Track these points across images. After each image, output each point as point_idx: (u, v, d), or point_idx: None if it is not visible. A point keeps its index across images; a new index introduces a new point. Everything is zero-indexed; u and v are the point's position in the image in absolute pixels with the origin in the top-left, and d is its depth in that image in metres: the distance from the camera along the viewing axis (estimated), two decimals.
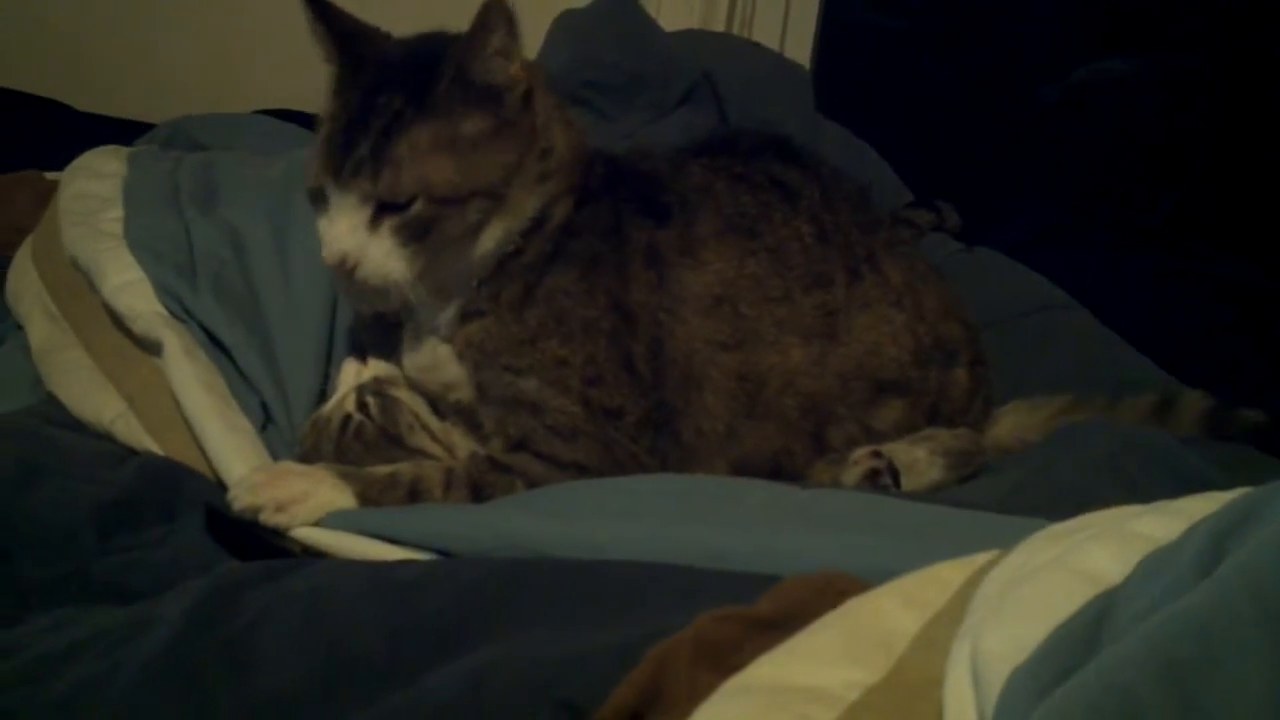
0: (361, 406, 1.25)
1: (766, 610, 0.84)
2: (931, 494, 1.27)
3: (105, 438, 1.32)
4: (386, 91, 1.19)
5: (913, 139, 2.28)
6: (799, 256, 1.30)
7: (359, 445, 1.24)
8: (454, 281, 1.21)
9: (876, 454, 1.28)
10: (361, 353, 1.31)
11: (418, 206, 1.17)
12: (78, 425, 1.35)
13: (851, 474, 1.27)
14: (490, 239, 1.22)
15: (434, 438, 1.27)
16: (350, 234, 1.17)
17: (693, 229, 1.28)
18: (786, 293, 1.28)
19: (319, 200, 1.21)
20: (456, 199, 1.18)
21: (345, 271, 1.17)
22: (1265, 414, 1.45)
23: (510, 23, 1.18)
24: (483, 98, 1.19)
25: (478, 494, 1.17)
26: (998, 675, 0.65)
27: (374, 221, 1.17)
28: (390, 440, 1.25)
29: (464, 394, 1.25)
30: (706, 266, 1.27)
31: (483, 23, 1.16)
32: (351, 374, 1.29)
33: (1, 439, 1.25)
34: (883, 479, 1.26)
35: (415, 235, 1.17)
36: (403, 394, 1.27)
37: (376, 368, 1.29)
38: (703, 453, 1.26)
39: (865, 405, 1.31)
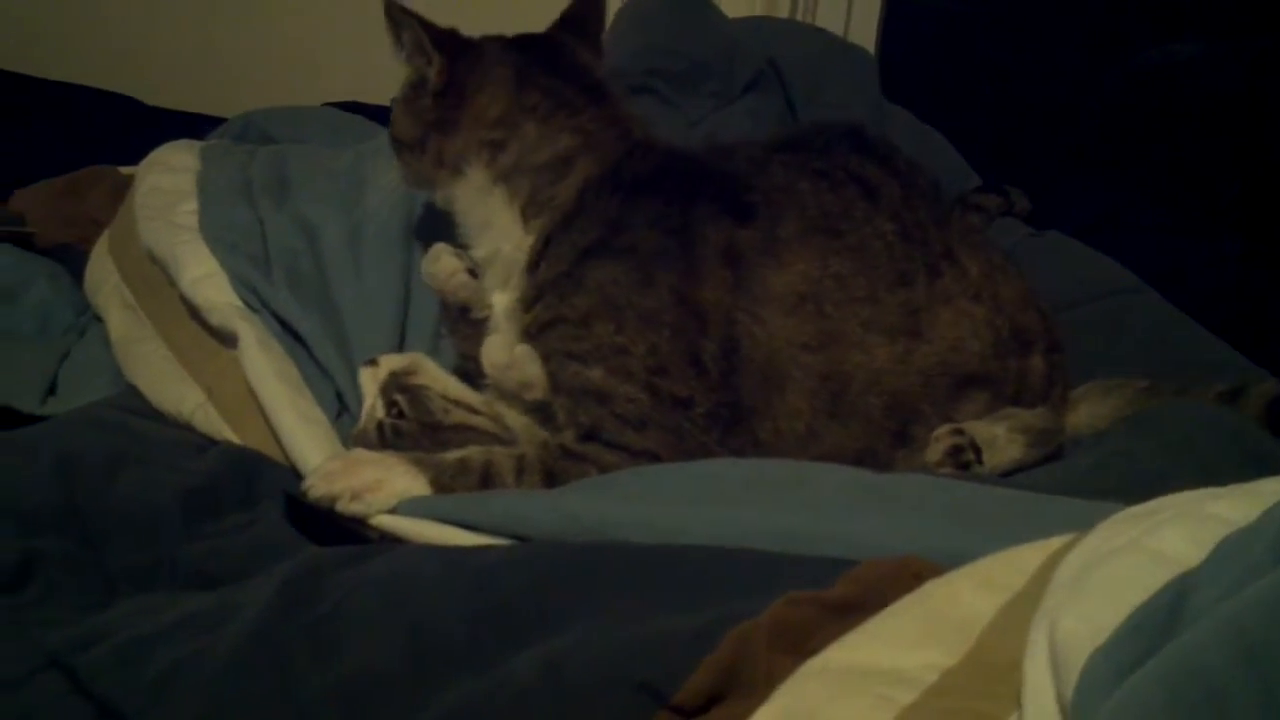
0: (391, 406, 1.27)
1: (843, 594, 0.85)
2: (1009, 476, 1.27)
3: (185, 427, 1.35)
4: None
5: (979, 122, 2.26)
6: (882, 255, 1.30)
7: (405, 443, 1.25)
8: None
9: (958, 431, 1.28)
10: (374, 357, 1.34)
11: None
12: (158, 415, 1.37)
13: (933, 451, 1.27)
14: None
15: (473, 409, 1.29)
16: None
17: (776, 229, 1.27)
18: (871, 292, 1.28)
19: None
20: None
21: None
22: None
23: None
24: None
25: (550, 481, 1.18)
26: (1076, 657, 0.65)
27: None
28: (431, 429, 1.26)
29: (540, 393, 1.26)
30: (790, 267, 1.26)
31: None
32: (369, 379, 1.30)
33: (87, 429, 1.28)
34: (965, 455, 1.26)
35: None
36: (425, 378, 1.29)
37: (389, 363, 1.30)
38: (780, 451, 1.25)
39: (949, 400, 1.30)
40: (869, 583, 0.85)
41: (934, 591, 0.79)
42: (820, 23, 2.40)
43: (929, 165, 1.66)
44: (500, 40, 1.36)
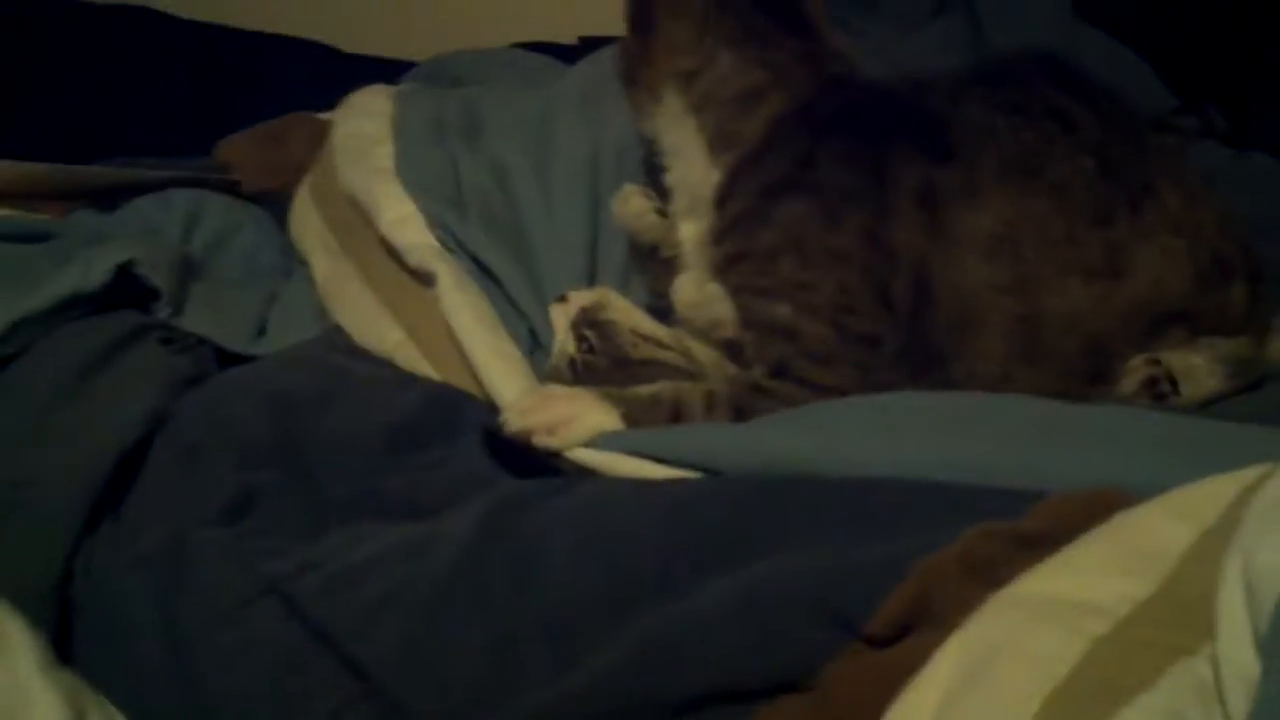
0: (582, 341, 1.29)
1: (1034, 525, 0.84)
2: (1206, 405, 1.24)
3: (387, 364, 1.40)
4: None
5: (1177, 39, 2.18)
6: (1081, 192, 1.27)
7: (596, 378, 1.27)
8: None
9: (1154, 361, 1.26)
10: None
11: None
12: (362, 353, 1.42)
13: (1128, 382, 1.25)
14: None
15: (661, 344, 1.30)
16: None
17: (973, 169, 1.26)
18: (1069, 232, 1.25)
19: None
20: None
21: None
22: None
23: None
24: None
25: (739, 415, 1.19)
26: (1271, 590, 0.65)
27: None
28: (621, 363, 1.29)
29: (730, 330, 1.27)
30: (987, 208, 1.25)
31: None
32: (560, 315, 1.33)
33: (297, 367, 1.34)
34: (1161, 386, 1.24)
35: None
36: (614, 313, 1.31)
37: (579, 299, 1.33)
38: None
39: (1147, 338, 1.28)
40: (1062, 514, 0.85)
41: (1127, 522, 0.78)
42: None
43: (1124, 88, 1.63)
44: None
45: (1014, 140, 1.28)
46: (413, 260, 1.43)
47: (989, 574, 0.80)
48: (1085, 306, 1.25)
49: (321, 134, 1.77)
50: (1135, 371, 1.25)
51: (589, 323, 1.29)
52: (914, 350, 1.23)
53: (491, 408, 1.26)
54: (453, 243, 1.45)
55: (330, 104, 1.83)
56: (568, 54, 2.06)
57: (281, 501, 1.13)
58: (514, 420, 1.18)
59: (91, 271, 1.41)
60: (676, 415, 1.19)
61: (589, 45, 2.00)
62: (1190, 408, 1.23)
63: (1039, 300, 1.24)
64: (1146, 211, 1.28)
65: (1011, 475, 0.95)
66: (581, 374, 1.28)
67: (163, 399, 1.25)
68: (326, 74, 2.36)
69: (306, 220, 1.64)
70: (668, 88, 1.32)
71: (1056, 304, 1.24)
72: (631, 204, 1.40)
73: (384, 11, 2.77)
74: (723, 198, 1.29)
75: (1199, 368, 1.26)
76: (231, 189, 1.86)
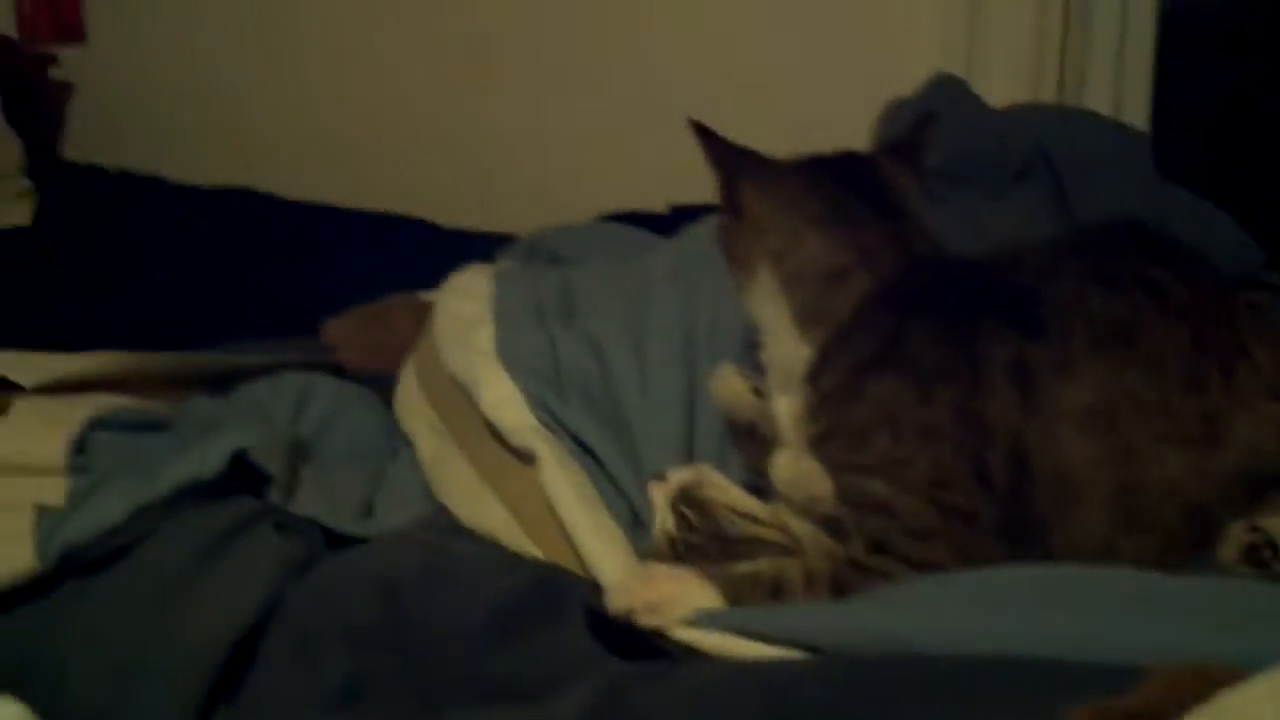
0: (681, 519, 1.31)
1: (1138, 703, 0.85)
2: None
3: (492, 544, 1.43)
4: None
5: (1264, 192, 2.20)
6: (1174, 361, 1.28)
7: (696, 556, 1.29)
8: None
9: (1254, 529, 1.25)
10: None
11: None
12: (467, 532, 1.46)
13: (1229, 550, 1.25)
14: None
15: (759, 521, 1.31)
16: None
17: (1067, 343, 1.27)
18: (1164, 401, 1.26)
19: None
20: None
21: None
22: None
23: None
24: None
25: (839, 592, 1.20)
26: None
27: None
28: (720, 541, 1.29)
29: (828, 506, 1.29)
30: (1082, 381, 1.25)
31: None
32: (659, 494, 1.35)
33: (403, 547, 1.37)
34: (1261, 553, 1.24)
35: None
36: (713, 491, 1.33)
37: (677, 478, 1.35)
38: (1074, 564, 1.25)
39: (1248, 504, 1.27)
40: (1164, 691, 0.85)
41: (1228, 702, 0.79)
42: (1088, 104, 2.37)
43: (1210, 247, 1.63)
44: (799, 157, 1.39)
45: (1106, 311, 1.29)
46: (515, 440, 1.46)
47: None
48: (1184, 475, 1.25)
49: (423, 314, 1.83)
50: (1235, 539, 1.24)
51: (688, 501, 1.31)
52: (1012, 523, 1.23)
53: (594, 586, 1.29)
54: (553, 422, 1.49)
55: (430, 278, 1.89)
56: (659, 223, 2.11)
57: (392, 688, 1.16)
58: (617, 599, 1.20)
59: (207, 459, 1.46)
60: (776, 592, 1.20)
61: (680, 214, 2.05)
62: None
63: (1138, 471, 1.24)
64: (1241, 377, 1.28)
65: (1115, 650, 0.95)
66: (682, 552, 1.30)
67: (276, 585, 1.28)
68: (425, 249, 2.43)
69: (411, 400, 1.69)
70: (760, 265, 1.35)
71: (1155, 474, 1.24)
72: (728, 383, 1.44)
73: (476, 185, 2.86)
74: (814, 374, 1.31)
75: None
76: (338, 370, 1.92)
